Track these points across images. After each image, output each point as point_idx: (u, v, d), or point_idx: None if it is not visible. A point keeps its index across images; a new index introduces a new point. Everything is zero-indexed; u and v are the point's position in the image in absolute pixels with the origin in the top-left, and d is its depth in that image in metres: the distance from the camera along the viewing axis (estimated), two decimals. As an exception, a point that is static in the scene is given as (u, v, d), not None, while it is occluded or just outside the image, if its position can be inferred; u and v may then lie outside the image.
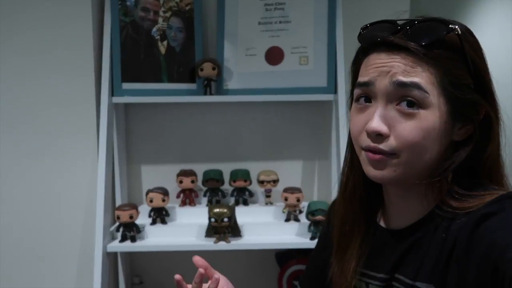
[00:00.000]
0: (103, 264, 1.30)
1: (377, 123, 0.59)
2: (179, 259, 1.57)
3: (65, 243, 1.44)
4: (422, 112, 0.58)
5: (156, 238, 1.38)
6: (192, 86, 1.46)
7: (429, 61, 0.58)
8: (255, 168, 1.49)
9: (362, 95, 0.62)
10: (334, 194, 1.46)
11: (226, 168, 1.49)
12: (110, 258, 1.41)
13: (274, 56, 1.45)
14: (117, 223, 1.36)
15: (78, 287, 1.44)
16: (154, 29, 1.45)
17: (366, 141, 0.61)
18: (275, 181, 1.46)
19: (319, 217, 1.30)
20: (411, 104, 0.58)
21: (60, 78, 1.40)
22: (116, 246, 1.35)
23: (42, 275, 1.44)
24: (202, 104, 1.54)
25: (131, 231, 1.35)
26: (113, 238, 1.39)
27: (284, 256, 1.49)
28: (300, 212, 1.40)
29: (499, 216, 0.55)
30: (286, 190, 1.40)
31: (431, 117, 0.58)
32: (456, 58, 0.59)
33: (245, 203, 1.48)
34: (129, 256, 1.57)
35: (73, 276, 1.44)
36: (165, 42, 1.45)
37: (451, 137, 0.62)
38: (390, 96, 0.59)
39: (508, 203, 0.57)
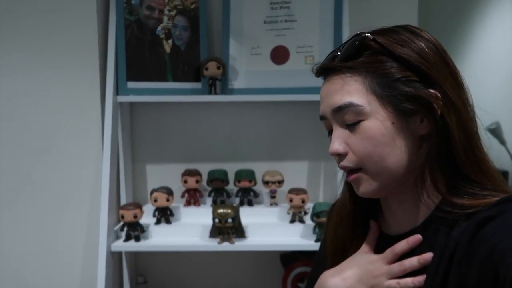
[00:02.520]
0: (107, 263, 1.30)
1: (333, 146, 0.64)
2: (184, 259, 1.57)
3: (69, 242, 1.44)
4: (364, 123, 0.62)
5: (160, 237, 1.38)
6: (197, 85, 1.45)
7: (354, 72, 0.62)
8: (260, 169, 1.48)
9: (327, 130, 0.68)
10: (339, 195, 1.44)
11: (231, 168, 1.48)
12: (115, 257, 1.41)
13: (279, 55, 1.44)
14: (121, 223, 1.36)
15: (82, 286, 1.45)
16: (159, 28, 1.44)
17: (337, 162, 0.66)
18: (280, 182, 1.44)
19: (324, 219, 1.28)
20: (353, 121, 0.62)
21: (65, 77, 1.40)
22: (120, 245, 1.35)
23: (46, 273, 1.45)
24: (207, 104, 1.53)
25: (135, 230, 1.35)
26: (118, 237, 1.38)
27: (289, 258, 1.47)
28: (305, 213, 1.39)
29: (499, 220, 0.56)
30: (291, 191, 1.39)
31: (373, 124, 0.61)
32: (384, 59, 0.62)
33: (250, 203, 1.47)
34: (134, 256, 1.57)
35: (77, 274, 1.45)
36: (170, 41, 1.44)
37: (414, 133, 0.62)
38: (337, 120, 0.64)
39: (508, 207, 0.57)
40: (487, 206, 0.58)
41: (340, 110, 0.62)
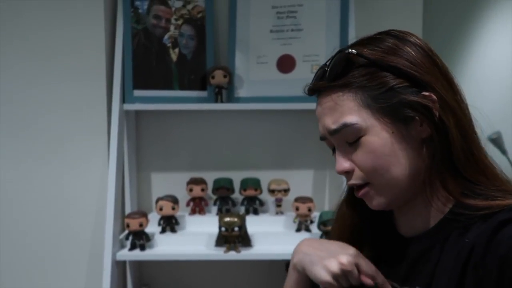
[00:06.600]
0: (112, 272, 1.29)
1: (339, 165, 0.65)
2: (189, 268, 1.56)
3: (74, 250, 1.43)
4: (364, 138, 0.62)
5: (165, 246, 1.37)
6: (203, 93, 1.45)
7: (345, 90, 0.62)
8: (265, 177, 1.48)
9: (331, 148, 0.68)
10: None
11: (237, 177, 1.48)
12: (119, 266, 1.40)
13: (285, 64, 1.44)
14: (127, 231, 1.35)
15: (86, 296, 1.43)
16: (166, 37, 1.45)
17: (346, 180, 0.67)
18: (286, 190, 1.44)
19: (331, 227, 1.28)
20: (353, 139, 0.63)
21: (72, 85, 1.41)
22: (125, 254, 1.34)
23: (51, 282, 1.43)
24: (213, 112, 1.53)
25: (140, 239, 1.34)
26: (122, 246, 1.37)
27: (295, 267, 1.46)
28: (312, 222, 1.38)
29: None
30: (297, 199, 1.38)
31: (373, 138, 0.61)
32: (372, 70, 0.62)
33: (256, 212, 1.47)
34: (138, 265, 1.55)
35: (81, 284, 1.43)
36: (176, 50, 1.45)
37: (417, 138, 0.62)
38: (336, 140, 0.64)
39: None
40: (503, 208, 0.58)
41: (336, 132, 0.63)
